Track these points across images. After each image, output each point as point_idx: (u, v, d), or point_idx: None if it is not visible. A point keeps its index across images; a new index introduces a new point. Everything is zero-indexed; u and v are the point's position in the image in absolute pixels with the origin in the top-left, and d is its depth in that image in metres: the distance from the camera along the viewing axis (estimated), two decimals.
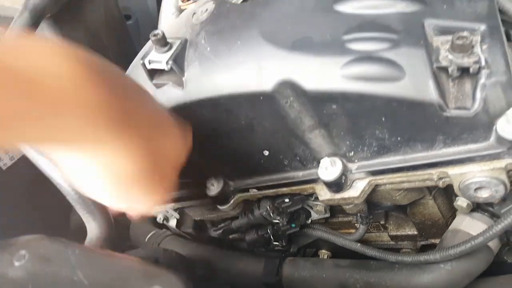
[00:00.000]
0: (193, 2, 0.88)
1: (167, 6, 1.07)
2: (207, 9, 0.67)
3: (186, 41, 0.65)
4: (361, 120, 0.54)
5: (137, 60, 0.80)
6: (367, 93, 0.51)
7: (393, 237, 0.84)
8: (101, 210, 0.58)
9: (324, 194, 0.65)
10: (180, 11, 1.07)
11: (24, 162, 1.00)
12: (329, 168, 0.60)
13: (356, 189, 0.61)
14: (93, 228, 0.57)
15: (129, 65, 0.89)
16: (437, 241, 0.79)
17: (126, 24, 1.22)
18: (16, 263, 0.48)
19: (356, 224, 0.88)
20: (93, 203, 0.58)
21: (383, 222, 0.83)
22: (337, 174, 0.60)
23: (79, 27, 1.01)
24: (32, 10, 0.71)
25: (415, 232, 0.80)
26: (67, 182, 0.58)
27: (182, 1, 0.92)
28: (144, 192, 0.48)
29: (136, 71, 0.74)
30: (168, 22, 0.80)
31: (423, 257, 0.63)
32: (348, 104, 0.53)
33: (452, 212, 0.73)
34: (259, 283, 0.87)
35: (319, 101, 0.55)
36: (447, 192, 0.70)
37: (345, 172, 0.60)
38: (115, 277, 0.44)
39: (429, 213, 0.72)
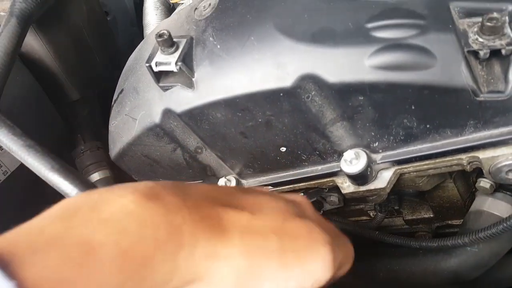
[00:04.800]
0: None
1: (151, 2, 1.02)
2: (210, 4, 0.64)
3: (192, 39, 0.62)
4: (389, 110, 0.53)
5: (134, 61, 0.76)
6: (397, 83, 0.49)
7: (408, 221, 0.84)
8: None
9: (347, 187, 0.63)
10: (166, 6, 1.03)
11: (18, 177, 0.95)
12: (353, 161, 0.59)
13: (382, 180, 0.60)
14: None
15: (113, 64, 0.85)
16: (453, 221, 0.80)
17: (107, 22, 1.17)
18: None
19: (368, 211, 0.87)
20: None
21: (397, 207, 0.83)
22: (362, 167, 0.58)
23: (62, 28, 0.95)
24: (19, 15, 0.66)
25: (431, 215, 0.80)
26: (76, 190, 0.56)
27: None
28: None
29: (137, 74, 0.71)
30: (166, 20, 0.76)
31: (450, 242, 0.63)
32: (376, 95, 0.51)
33: (470, 193, 0.73)
34: None
35: (344, 94, 0.53)
36: (466, 174, 0.70)
37: (369, 163, 0.59)
38: None
39: (448, 196, 0.72)
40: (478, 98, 0.48)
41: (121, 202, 0.36)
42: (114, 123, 0.75)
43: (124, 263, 0.33)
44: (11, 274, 0.27)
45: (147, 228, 0.36)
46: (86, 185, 0.58)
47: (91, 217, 0.34)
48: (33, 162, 0.58)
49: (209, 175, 0.77)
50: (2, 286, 0.27)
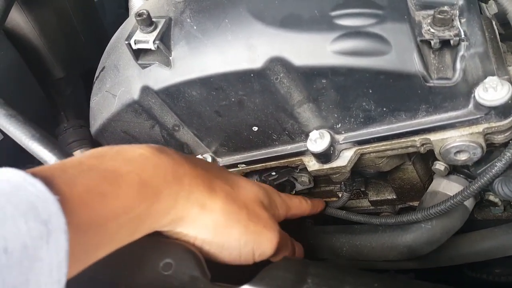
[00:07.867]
0: None
1: None
2: None
3: (170, 19, 0.65)
4: (349, 93, 0.57)
5: (116, 40, 0.79)
6: (356, 67, 0.53)
7: (373, 202, 0.89)
8: None
9: (313, 165, 0.68)
10: None
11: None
12: (317, 140, 0.63)
13: (344, 159, 0.65)
14: None
15: (99, 44, 0.87)
16: (414, 203, 0.85)
17: (94, 3, 1.18)
18: None
19: (337, 193, 0.92)
20: None
21: (363, 189, 0.88)
22: (325, 146, 0.63)
23: (48, 6, 0.97)
24: None
25: (394, 197, 0.85)
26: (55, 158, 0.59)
27: None
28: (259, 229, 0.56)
29: (118, 52, 0.74)
30: (148, 1, 0.79)
31: (405, 218, 0.68)
32: (337, 78, 0.55)
33: (429, 176, 0.78)
34: None
35: (309, 76, 0.57)
36: (425, 158, 0.75)
37: (332, 143, 0.63)
38: (127, 253, 0.45)
39: (408, 177, 0.77)
40: (428, 84, 0.53)
41: (139, 151, 0.48)
42: (95, 100, 0.78)
43: (142, 189, 0.44)
44: (56, 191, 0.36)
45: (160, 169, 0.48)
46: (64, 153, 0.61)
47: (117, 157, 0.45)
48: (15, 131, 0.61)
49: (186, 152, 0.80)
50: (49, 199, 0.34)
